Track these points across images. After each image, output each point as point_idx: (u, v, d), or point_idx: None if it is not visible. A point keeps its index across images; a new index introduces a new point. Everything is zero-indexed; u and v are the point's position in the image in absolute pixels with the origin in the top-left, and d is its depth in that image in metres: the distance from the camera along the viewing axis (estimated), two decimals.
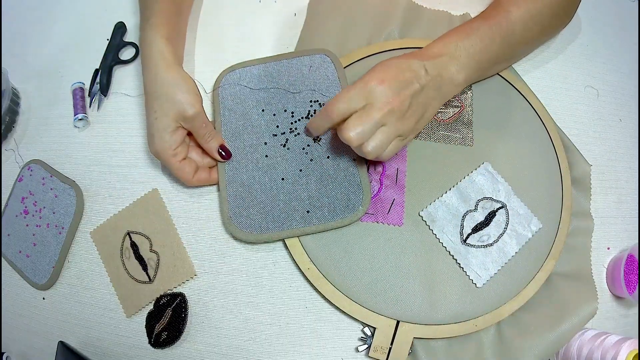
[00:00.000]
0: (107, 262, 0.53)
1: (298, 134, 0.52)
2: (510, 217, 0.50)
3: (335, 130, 0.47)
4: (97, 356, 0.51)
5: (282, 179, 0.50)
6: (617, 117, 0.59)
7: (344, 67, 0.56)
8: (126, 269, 0.52)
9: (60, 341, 0.50)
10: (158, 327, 0.49)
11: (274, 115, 0.53)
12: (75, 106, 0.60)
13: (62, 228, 0.55)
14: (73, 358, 0.49)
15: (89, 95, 0.61)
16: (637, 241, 0.54)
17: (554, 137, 0.54)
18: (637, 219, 0.55)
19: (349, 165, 0.50)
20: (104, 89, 0.61)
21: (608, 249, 0.54)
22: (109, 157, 0.58)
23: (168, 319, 0.49)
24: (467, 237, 0.49)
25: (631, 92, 0.60)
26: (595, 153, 0.56)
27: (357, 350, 0.48)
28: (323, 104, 0.53)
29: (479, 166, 0.52)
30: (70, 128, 0.61)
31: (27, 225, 0.56)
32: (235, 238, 0.51)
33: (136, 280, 0.52)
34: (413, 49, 0.57)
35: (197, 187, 0.53)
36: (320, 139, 0.52)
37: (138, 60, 0.62)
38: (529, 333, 0.47)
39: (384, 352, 0.46)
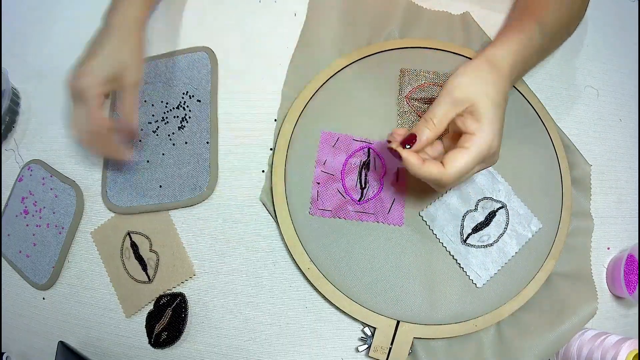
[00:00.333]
0: (107, 262, 0.53)
1: (167, 122, 0.57)
2: (510, 217, 0.50)
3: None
4: (97, 356, 0.51)
5: (147, 161, 0.55)
6: (617, 117, 0.59)
7: (344, 67, 0.56)
8: (126, 269, 0.52)
9: (60, 341, 0.50)
10: (158, 327, 0.49)
11: (152, 105, 0.58)
12: None
13: (62, 228, 0.55)
14: (73, 358, 0.49)
15: None
16: (637, 241, 0.54)
17: (554, 137, 0.54)
18: (637, 219, 0.55)
19: (202, 152, 0.55)
20: None
21: (608, 249, 0.54)
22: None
23: (168, 319, 0.49)
24: (467, 237, 0.49)
25: (631, 92, 0.60)
26: (595, 153, 0.56)
27: (357, 350, 0.48)
28: (192, 96, 0.58)
29: None
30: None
31: (27, 225, 0.56)
32: (111, 210, 0.55)
33: (136, 280, 0.52)
34: (413, 48, 0.57)
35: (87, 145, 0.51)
36: (184, 127, 0.56)
37: None
38: (529, 333, 0.47)
39: (384, 352, 0.46)
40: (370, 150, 0.53)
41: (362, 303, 0.47)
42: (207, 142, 0.55)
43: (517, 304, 0.48)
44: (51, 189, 0.57)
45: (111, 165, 0.57)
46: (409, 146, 0.41)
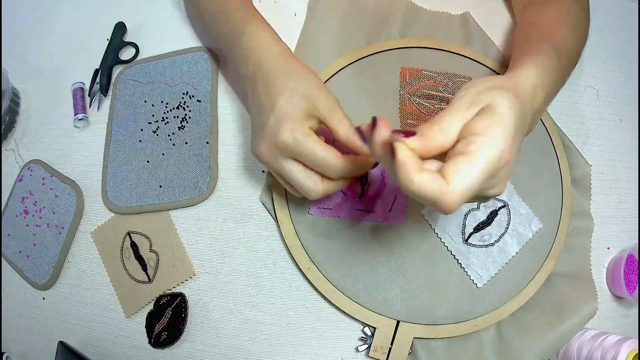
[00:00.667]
0: (107, 262, 0.53)
1: (167, 122, 0.57)
2: (511, 217, 0.50)
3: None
4: (97, 356, 0.51)
5: (148, 161, 0.55)
6: (617, 117, 0.59)
7: (344, 67, 0.56)
8: (126, 269, 0.52)
9: (60, 341, 0.50)
10: (158, 327, 0.49)
11: (153, 105, 0.58)
12: (75, 106, 0.60)
13: (62, 228, 0.55)
14: (73, 358, 0.49)
15: (89, 95, 0.61)
16: (637, 241, 0.54)
17: (554, 137, 0.54)
18: (637, 219, 0.55)
19: (202, 152, 0.55)
20: (104, 89, 0.61)
21: (608, 249, 0.54)
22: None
23: (168, 319, 0.49)
24: (468, 237, 0.49)
25: (631, 92, 0.60)
26: (595, 153, 0.56)
27: (357, 350, 0.48)
28: (193, 96, 0.57)
29: None
30: (70, 128, 0.61)
31: (27, 225, 0.56)
32: (111, 210, 0.55)
33: (136, 280, 0.52)
34: (413, 48, 0.57)
35: (319, 197, 0.41)
36: (184, 127, 0.55)
37: (140, 55, 0.62)
38: (529, 333, 0.47)
39: (384, 352, 0.46)
40: None
41: (362, 303, 0.47)
42: (207, 142, 0.55)
43: (517, 303, 0.48)
44: (51, 189, 0.57)
45: (111, 165, 0.56)
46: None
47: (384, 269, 0.48)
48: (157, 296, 0.50)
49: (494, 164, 0.30)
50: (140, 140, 0.57)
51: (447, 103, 0.54)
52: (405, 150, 0.29)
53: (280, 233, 0.50)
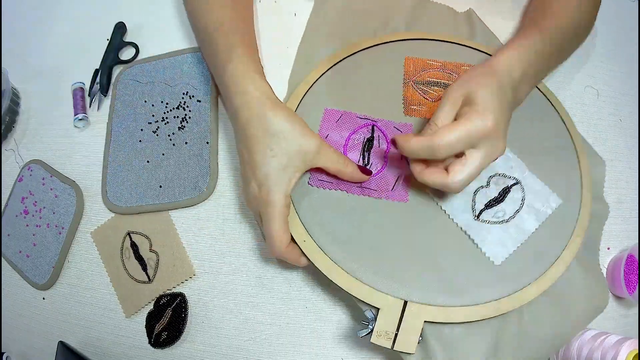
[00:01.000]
0: (107, 262, 0.53)
1: (167, 122, 0.57)
2: (526, 193, 0.47)
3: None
4: (97, 356, 0.51)
5: (148, 161, 0.55)
6: (617, 117, 0.59)
7: (348, 56, 0.55)
8: (126, 269, 0.52)
9: (60, 341, 0.50)
10: (158, 327, 0.49)
11: (153, 105, 0.58)
12: (75, 106, 0.60)
13: (62, 228, 0.55)
14: (73, 358, 0.49)
15: (89, 95, 0.61)
16: (637, 241, 0.54)
17: (563, 115, 0.52)
18: (637, 219, 0.55)
19: (202, 152, 0.54)
20: (104, 89, 0.61)
21: (608, 249, 0.53)
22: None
23: (168, 319, 0.49)
24: (480, 213, 0.46)
25: (631, 92, 0.60)
26: None
27: (358, 335, 0.42)
28: (193, 96, 0.57)
29: None
30: (70, 128, 0.61)
31: (27, 225, 0.56)
32: (111, 210, 0.55)
33: (136, 280, 0.52)
34: (418, 40, 0.56)
35: (278, 258, 0.45)
36: (184, 127, 0.55)
37: (140, 55, 0.62)
38: (544, 322, 0.44)
39: (389, 338, 0.40)
40: (375, 128, 0.51)
41: (362, 279, 0.42)
42: (207, 142, 0.55)
43: (544, 285, 0.43)
44: (51, 189, 0.57)
45: (111, 165, 0.57)
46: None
47: (389, 243, 0.44)
48: (157, 296, 0.50)
49: (477, 128, 0.38)
50: (140, 140, 0.57)
51: None
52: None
53: None
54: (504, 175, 0.48)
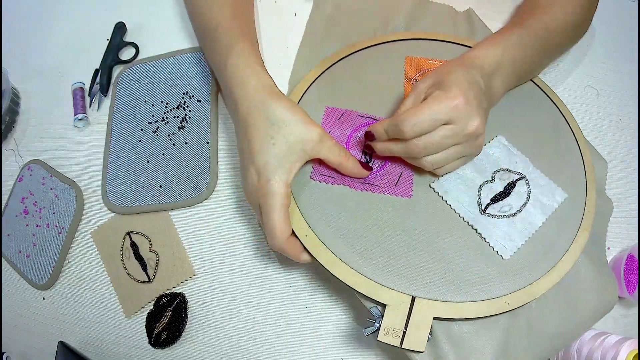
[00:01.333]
0: (107, 262, 0.53)
1: (167, 122, 0.57)
2: (531, 188, 0.47)
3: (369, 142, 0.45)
4: (97, 356, 0.51)
5: (148, 161, 0.55)
6: (617, 117, 0.59)
7: (348, 55, 0.55)
8: (126, 269, 0.52)
9: (60, 341, 0.50)
10: (158, 327, 0.49)
11: (153, 105, 0.58)
12: (75, 106, 0.60)
13: (62, 228, 0.55)
14: (73, 358, 0.49)
15: (89, 95, 0.61)
16: (637, 241, 0.54)
17: (564, 110, 0.52)
18: (637, 219, 0.55)
19: (202, 152, 0.55)
20: (104, 89, 0.61)
21: (608, 249, 0.53)
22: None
23: (168, 319, 0.49)
24: (486, 207, 0.45)
25: (631, 92, 0.60)
26: None
27: (364, 334, 0.40)
28: (193, 96, 0.57)
29: (492, 139, 0.49)
30: (70, 128, 0.61)
31: (27, 225, 0.56)
32: (111, 210, 0.55)
33: (136, 280, 0.52)
34: (418, 40, 0.56)
35: (278, 251, 0.43)
36: (184, 127, 0.56)
37: (140, 55, 0.62)
38: (551, 321, 0.44)
39: (398, 336, 0.38)
40: None
41: (368, 275, 0.41)
42: (207, 142, 0.55)
43: (553, 279, 0.42)
44: (51, 189, 0.57)
45: (111, 165, 0.57)
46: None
47: (394, 238, 0.43)
48: (157, 296, 0.50)
49: (444, 106, 0.39)
50: (140, 140, 0.57)
51: None
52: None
53: None
54: (509, 170, 0.48)
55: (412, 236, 0.44)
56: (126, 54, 0.64)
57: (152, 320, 0.49)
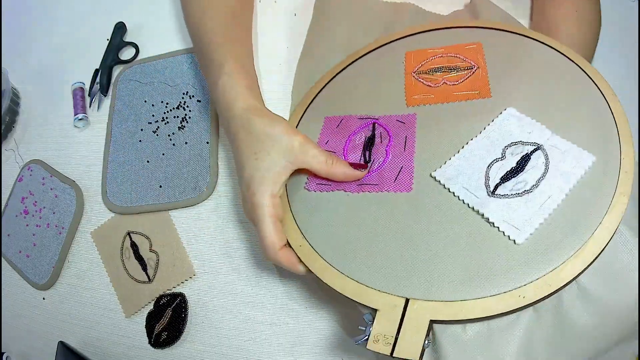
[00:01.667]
0: (107, 262, 0.53)
1: (167, 122, 0.57)
2: (549, 157, 0.40)
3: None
4: (97, 356, 0.51)
5: (148, 161, 0.56)
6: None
7: (352, 62, 0.55)
8: (126, 269, 0.52)
9: (60, 341, 0.50)
10: (158, 327, 0.49)
11: (153, 105, 0.59)
12: (75, 106, 0.60)
13: (62, 228, 0.55)
14: (73, 358, 0.49)
15: (89, 95, 0.61)
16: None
17: (584, 65, 0.46)
18: (637, 219, 0.55)
19: (202, 152, 0.55)
20: (104, 89, 0.61)
21: None
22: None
23: (168, 319, 0.49)
24: (495, 188, 0.40)
25: (631, 92, 0.60)
26: None
27: (354, 343, 0.37)
28: (193, 96, 0.58)
29: (501, 113, 0.45)
30: (70, 128, 0.61)
31: (27, 225, 0.56)
32: (111, 210, 0.55)
33: (136, 280, 0.52)
34: (419, 34, 0.55)
35: (273, 262, 0.44)
36: (184, 127, 0.56)
37: (140, 55, 0.62)
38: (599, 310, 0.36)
39: (389, 343, 0.34)
40: (376, 125, 0.49)
41: (359, 279, 0.38)
42: (207, 142, 0.55)
43: (582, 263, 0.34)
44: (51, 189, 0.57)
45: (111, 165, 0.57)
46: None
47: (389, 238, 0.40)
48: (157, 296, 0.50)
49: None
50: (140, 140, 0.57)
51: (455, 71, 0.50)
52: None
53: None
54: (522, 143, 0.42)
55: (409, 233, 0.40)
56: (126, 54, 0.64)
57: (152, 320, 0.49)
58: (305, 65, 0.58)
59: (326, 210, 0.44)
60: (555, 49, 0.49)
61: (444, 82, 0.50)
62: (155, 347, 0.49)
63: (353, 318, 0.46)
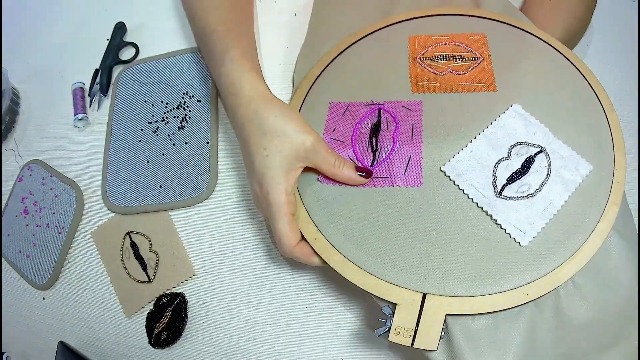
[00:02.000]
0: (107, 262, 0.53)
1: (167, 122, 0.57)
2: (552, 162, 0.42)
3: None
4: (97, 356, 0.51)
5: (148, 161, 0.55)
6: (617, 117, 0.59)
7: (350, 46, 0.55)
8: (126, 269, 0.52)
9: (60, 341, 0.50)
10: (158, 327, 0.49)
11: (153, 105, 0.58)
12: (75, 106, 0.60)
13: (62, 228, 0.55)
14: (73, 358, 0.49)
15: (89, 95, 0.61)
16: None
17: (584, 70, 0.48)
18: (637, 219, 0.55)
19: (202, 152, 0.55)
20: (104, 89, 0.61)
21: None
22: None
23: (168, 319, 0.49)
24: (502, 189, 0.42)
25: (631, 92, 0.60)
26: None
27: (375, 334, 0.39)
28: (193, 96, 0.58)
29: (508, 109, 0.46)
30: (70, 128, 0.61)
31: (27, 225, 0.56)
32: (111, 210, 0.55)
33: (136, 280, 0.52)
34: (422, 18, 0.55)
35: (289, 257, 0.44)
36: (184, 127, 0.56)
37: (140, 55, 0.62)
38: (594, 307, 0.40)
39: (409, 335, 0.37)
40: (381, 111, 0.49)
41: (378, 275, 0.40)
42: (207, 142, 0.55)
43: (577, 264, 0.38)
44: (51, 189, 0.57)
45: (111, 165, 0.57)
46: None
47: (403, 235, 0.42)
48: (157, 296, 0.50)
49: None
50: (140, 140, 0.57)
51: (461, 61, 0.50)
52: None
53: None
54: (527, 144, 0.44)
55: (423, 230, 0.42)
56: (126, 54, 0.64)
57: (152, 320, 0.49)
58: (307, 50, 0.58)
59: (339, 204, 0.45)
60: (560, 52, 0.50)
61: (450, 71, 0.50)
62: (155, 347, 0.49)
63: (371, 308, 0.47)
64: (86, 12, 0.68)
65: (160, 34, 0.64)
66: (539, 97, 0.46)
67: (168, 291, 0.51)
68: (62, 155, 0.59)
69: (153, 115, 0.57)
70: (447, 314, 0.38)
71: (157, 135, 0.56)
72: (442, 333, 0.37)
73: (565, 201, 0.41)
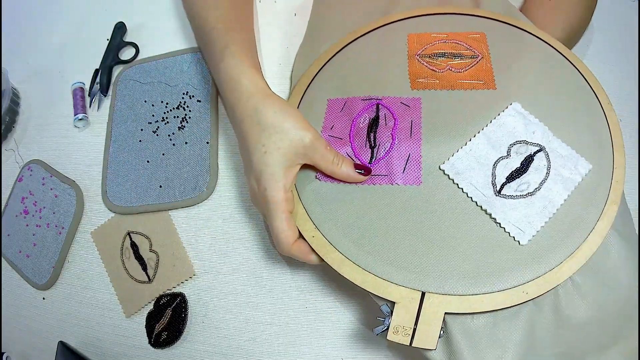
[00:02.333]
0: (107, 262, 0.53)
1: (167, 122, 0.57)
2: (551, 160, 0.42)
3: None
4: (97, 356, 0.51)
5: (148, 161, 0.55)
6: (617, 117, 0.59)
7: (349, 44, 0.55)
8: (126, 269, 0.52)
9: (60, 341, 0.50)
10: (158, 327, 0.49)
11: (153, 105, 0.58)
12: (75, 106, 0.60)
13: (62, 228, 0.55)
14: (73, 358, 0.49)
15: (89, 95, 0.61)
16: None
17: (583, 70, 0.48)
18: (637, 219, 0.55)
19: (202, 152, 0.54)
20: (104, 89, 0.61)
21: None
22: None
23: (168, 319, 0.49)
24: (501, 188, 0.42)
25: (631, 92, 0.60)
26: None
27: (374, 333, 0.39)
28: (193, 96, 0.58)
29: (507, 107, 0.45)
30: (70, 128, 0.61)
31: (27, 225, 0.56)
32: (111, 210, 0.55)
33: (136, 280, 0.52)
34: (422, 16, 0.55)
35: (289, 256, 0.44)
36: (184, 127, 0.56)
37: (140, 55, 0.62)
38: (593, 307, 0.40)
39: (407, 334, 0.37)
40: (380, 106, 0.48)
41: (376, 273, 0.40)
42: (207, 142, 0.55)
43: (577, 263, 0.38)
44: (51, 189, 0.57)
45: (111, 165, 0.57)
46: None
47: (402, 233, 0.42)
48: (157, 296, 0.50)
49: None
50: (140, 140, 0.57)
51: (460, 58, 0.50)
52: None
53: None
54: (526, 142, 0.44)
55: (422, 228, 0.42)
56: (126, 54, 0.64)
57: (152, 320, 0.49)
58: (305, 53, 0.58)
59: (337, 201, 0.44)
60: (559, 52, 0.50)
61: (449, 68, 0.50)
62: (155, 347, 0.49)
63: (369, 306, 0.47)
64: (86, 12, 0.68)
65: (160, 34, 0.64)
66: (538, 96, 0.46)
67: (168, 291, 0.51)
68: (62, 155, 0.59)
69: (153, 115, 0.57)
70: (446, 313, 0.38)
71: (157, 135, 0.56)
72: (441, 332, 0.37)
73: (565, 200, 0.41)
